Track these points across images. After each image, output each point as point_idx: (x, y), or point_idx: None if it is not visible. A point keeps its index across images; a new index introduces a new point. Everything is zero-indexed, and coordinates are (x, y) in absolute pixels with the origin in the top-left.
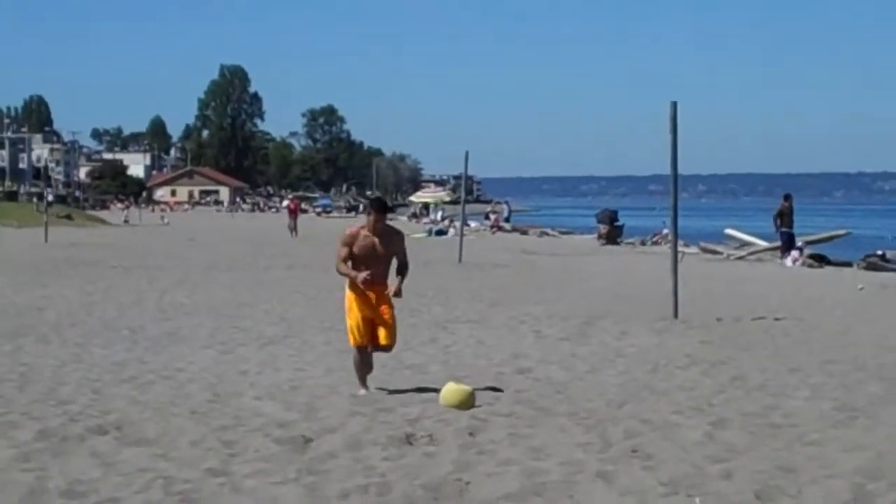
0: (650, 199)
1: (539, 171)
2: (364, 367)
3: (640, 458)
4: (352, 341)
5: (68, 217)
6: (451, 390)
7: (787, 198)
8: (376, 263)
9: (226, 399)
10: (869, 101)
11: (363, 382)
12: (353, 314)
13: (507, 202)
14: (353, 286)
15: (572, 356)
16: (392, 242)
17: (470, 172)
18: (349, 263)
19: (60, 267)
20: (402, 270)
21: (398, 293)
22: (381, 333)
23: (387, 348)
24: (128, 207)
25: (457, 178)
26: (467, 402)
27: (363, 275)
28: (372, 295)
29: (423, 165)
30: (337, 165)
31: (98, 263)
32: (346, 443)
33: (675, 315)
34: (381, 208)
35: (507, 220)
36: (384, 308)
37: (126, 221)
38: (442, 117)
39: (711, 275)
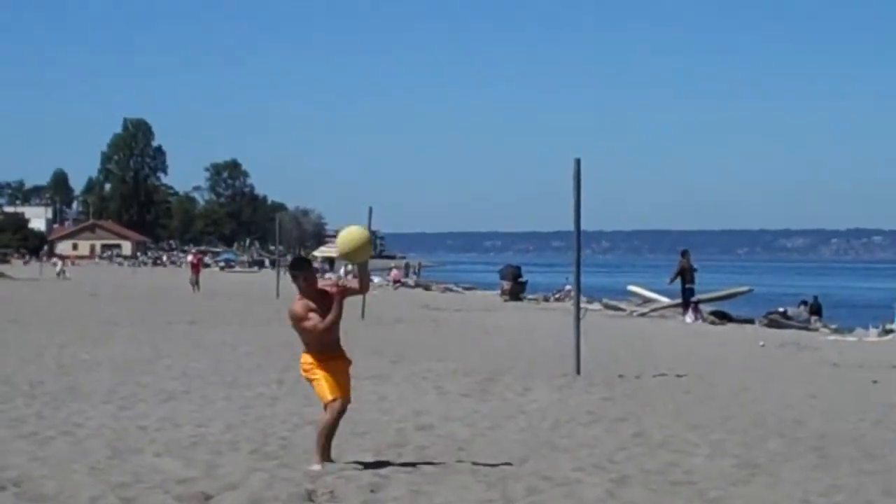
0: (553, 255)
1: (443, 226)
2: (334, 430)
3: None
4: (329, 394)
5: None
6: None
7: (685, 254)
8: (327, 330)
9: (125, 455)
10: (771, 160)
11: (325, 454)
12: (320, 371)
13: (407, 262)
14: (312, 351)
15: (474, 412)
16: (328, 301)
17: (374, 227)
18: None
19: None
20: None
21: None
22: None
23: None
24: (66, 261)
25: None
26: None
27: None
28: (330, 364)
29: (326, 220)
30: (240, 220)
31: None
32: (247, 500)
33: (578, 371)
34: (300, 265)
35: (416, 274)
36: (345, 371)
37: (60, 274)
38: (346, 172)
39: (614, 331)
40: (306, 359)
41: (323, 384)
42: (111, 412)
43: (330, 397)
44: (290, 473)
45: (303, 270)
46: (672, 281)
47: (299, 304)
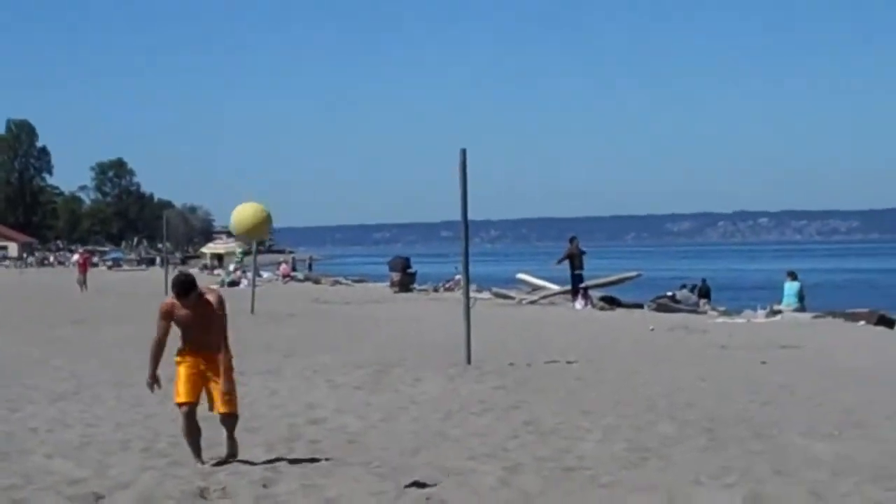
0: (442, 246)
1: (331, 220)
2: (192, 431)
3: None
4: (175, 397)
5: None
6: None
7: (572, 240)
8: (200, 331)
9: (15, 457)
10: (658, 144)
11: (197, 453)
12: (179, 371)
13: (293, 257)
14: (181, 350)
15: (366, 405)
16: (207, 316)
17: None
18: (163, 346)
19: None
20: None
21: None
22: (218, 400)
23: (228, 417)
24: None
25: None
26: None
27: (150, 380)
28: (200, 361)
29: (214, 217)
30: (128, 218)
31: None
32: (139, 498)
33: (469, 361)
34: (183, 292)
35: (309, 268)
36: (216, 374)
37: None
38: (232, 168)
39: (504, 320)
40: (175, 358)
41: (177, 381)
42: (0, 415)
43: (176, 400)
44: (181, 471)
45: (174, 290)
46: (559, 262)
47: (164, 307)
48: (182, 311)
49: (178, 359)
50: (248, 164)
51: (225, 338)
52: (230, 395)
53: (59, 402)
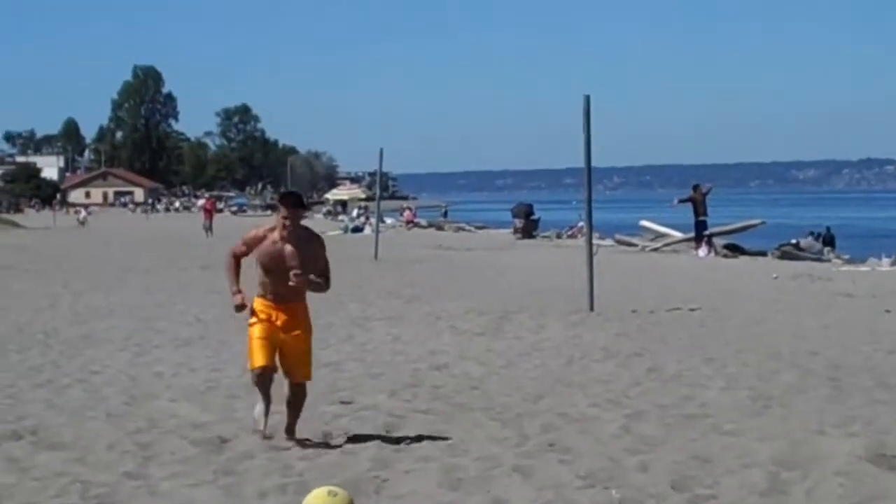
0: (565, 193)
1: (454, 166)
2: (265, 393)
3: (557, 451)
4: (249, 365)
5: None
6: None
7: (696, 187)
8: (286, 278)
9: (141, 401)
10: (782, 91)
11: (263, 415)
12: (253, 329)
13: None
14: (258, 305)
15: (488, 351)
16: (310, 252)
17: (385, 169)
18: (243, 273)
19: None
20: (323, 283)
21: (299, 278)
22: (292, 370)
23: (297, 387)
24: (86, 210)
25: (372, 174)
26: None
27: (237, 300)
28: (278, 315)
29: (338, 163)
30: (252, 164)
31: (11, 267)
32: (263, 443)
33: (591, 308)
34: (295, 203)
35: (445, 216)
36: (297, 335)
37: (82, 223)
38: (357, 114)
39: (627, 267)
40: (254, 303)
41: (250, 343)
42: (127, 359)
43: (248, 367)
44: (305, 415)
45: (284, 201)
46: (680, 201)
47: (253, 232)
48: (272, 249)
49: (253, 318)
50: (373, 111)
51: (327, 279)
52: (308, 361)
53: (185, 347)
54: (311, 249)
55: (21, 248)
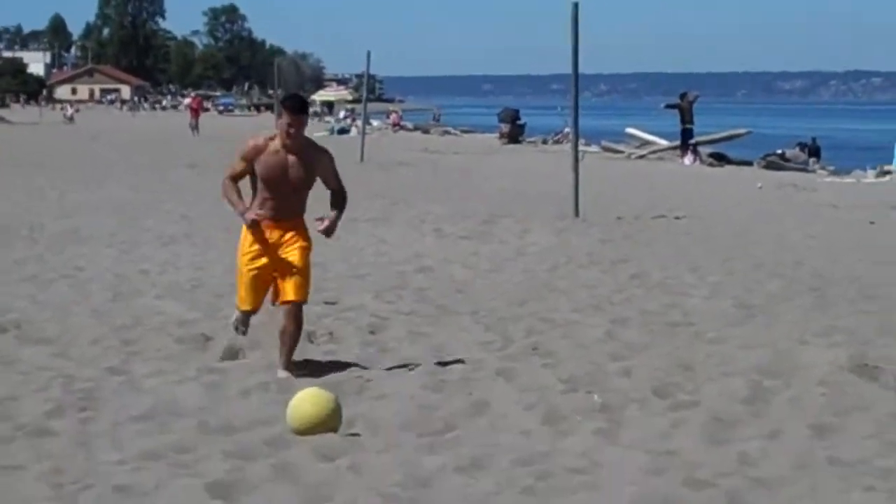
0: (552, 98)
1: (441, 70)
2: (243, 327)
3: (541, 355)
4: (238, 302)
5: None
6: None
7: (683, 96)
8: (288, 191)
9: (126, 298)
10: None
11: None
12: (242, 264)
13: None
14: (251, 225)
15: (473, 255)
16: (315, 163)
17: (372, 71)
18: (241, 191)
19: None
20: (338, 202)
21: (329, 231)
22: (287, 287)
23: (294, 305)
24: (73, 106)
25: (359, 76)
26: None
27: (251, 214)
28: (276, 234)
29: (325, 64)
30: (239, 64)
31: None
32: (247, 342)
33: (577, 214)
34: (300, 108)
35: (437, 120)
36: (293, 253)
37: (70, 119)
38: (345, 16)
39: (612, 174)
40: (242, 234)
41: (239, 277)
42: (112, 256)
43: (237, 303)
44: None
45: (288, 105)
46: (667, 106)
47: (251, 143)
48: (273, 159)
49: (244, 242)
50: (359, 11)
51: (342, 196)
52: (306, 280)
53: (171, 245)
54: (316, 161)
55: (7, 142)
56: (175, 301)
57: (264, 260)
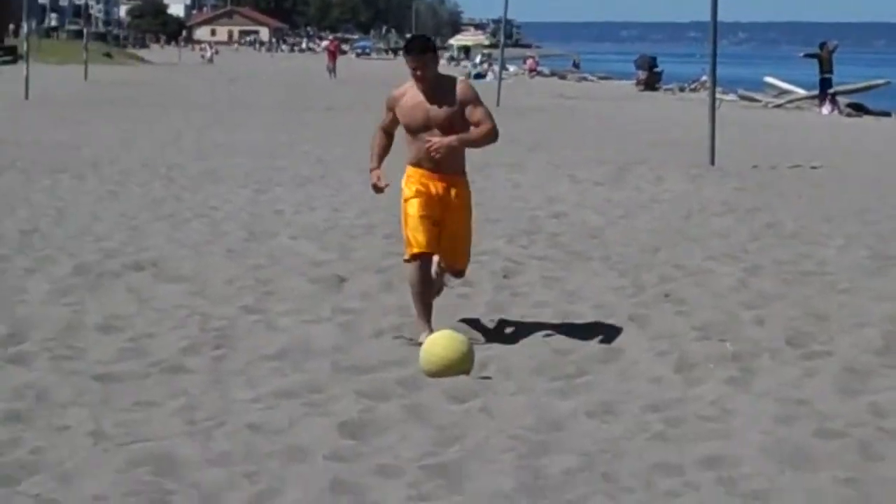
0: (689, 46)
1: (578, 15)
2: (425, 291)
3: (673, 303)
4: (407, 251)
5: (108, 55)
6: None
7: (823, 45)
8: (436, 135)
9: (261, 238)
10: None
11: (425, 319)
12: (408, 205)
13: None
14: (411, 175)
15: (607, 201)
16: (454, 98)
17: (509, 16)
18: (389, 145)
19: (100, 105)
20: (477, 130)
21: (438, 146)
22: (446, 252)
23: (456, 272)
24: (212, 47)
25: (496, 21)
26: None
27: (373, 177)
28: (439, 186)
29: (462, 9)
30: (377, 8)
31: (138, 102)
32: (381, 283)
33: (712, 162)
34: (419, 48)
35: (577, 66)
36: (456, 215)
37: (210, 61)
38: None
39: (749, 122)
40: (403, 186)
41: (406, 223)
42: (248, 196)
43: (406, 253)
44: None
45: (408, 49)
46: (806, 55)
47: (393, 92)
48: (411, 103)
49: (408, 190)
50: None
51: (491, 131)
52: (466, 243)
53: (306, 186)
54: (453, 100)
55: (147, 83)
56: (309, 241)
57: (430, 204)
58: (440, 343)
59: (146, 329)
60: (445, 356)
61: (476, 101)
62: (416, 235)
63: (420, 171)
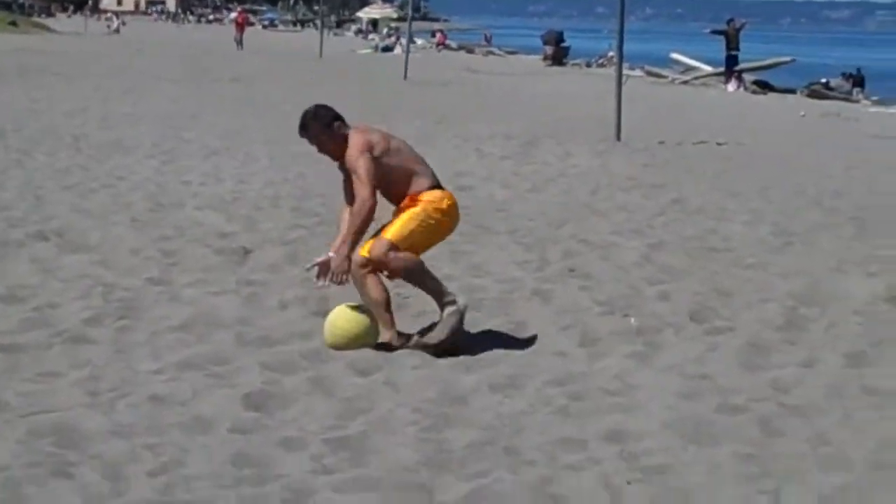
0: (597, 22)
1: None
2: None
3: (578, 277)
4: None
5: (13, 24)
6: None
7: (730, 21)
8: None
9: (167, 209)
10: None
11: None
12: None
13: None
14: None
15: (514, 175)
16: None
17: None
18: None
19: (4, 74)
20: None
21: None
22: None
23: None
24: (119, 17)
25: None
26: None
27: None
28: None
29: None
30: None
31: (44, 71)
32: (286, 255)
33: (618, 137)
34: (300, 126)
35: (489, 41)
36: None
37: (116, 31)
38: None
39: (655, 98)
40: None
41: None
42: (154, 166)
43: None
44: (329, 230)
45: (300, 134)
46: (713, 32)
47: (371, 136)
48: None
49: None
50: None
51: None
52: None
53: (213, 157)
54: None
55: (53, 52)
56: (216, 213)
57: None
58: (343, 316)
59: (50, 299)
60: (349, 329)
61: (355, 168)
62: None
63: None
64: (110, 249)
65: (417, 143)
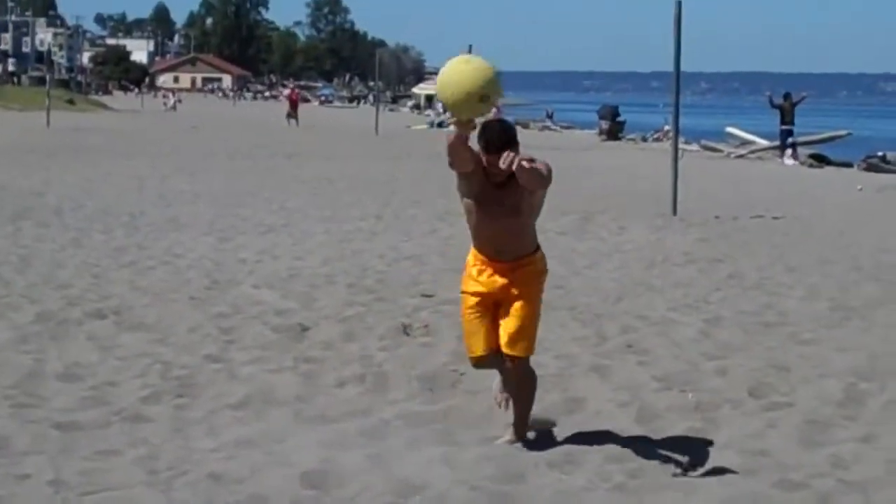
0: (652, 96)
1: (541, 65)
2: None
3: (635, 353)
4: (467, 348)
5: (70, 102)
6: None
7: (787, 97)
8: (504, 221)
9: (224, 286)
10: (872, 1)
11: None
12: (463, 309)
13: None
14: (473, 257)
15: (571, 251)
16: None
17: None
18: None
19: (62, 151)
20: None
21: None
22: (503, 332)
23: (510, 359)
24: (175, 95)
25: None
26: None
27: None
28: (497, 279)
29: (426, 58)
30: (340, 56)
31: (100, 149)
32: (343, 332)
33: (674, 212)
34: (497, 144)
35: (550, 118)
36: (517, 295)
37: (173, 108)
38: (446, 9)
39: (711, 172)
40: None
41: (464, 325)
42: (211, 244)
43: (468, 353)
44: (385, 307)
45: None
46: (772, 105)
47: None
48: (480, 183)
49: (464, 285)
50: (461, 5)
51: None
52: (526, 329)
53: (269, 234)
54: (520, 194)
55: (110, 130)
56: (272, 290)
57: (486, 304)
58: (463, 60)
59: (107, 377)
60: (468, 71)
61: (545, 167)
62: (469, 336)
63: (475, 253)
64: (168, 327)
65: None
